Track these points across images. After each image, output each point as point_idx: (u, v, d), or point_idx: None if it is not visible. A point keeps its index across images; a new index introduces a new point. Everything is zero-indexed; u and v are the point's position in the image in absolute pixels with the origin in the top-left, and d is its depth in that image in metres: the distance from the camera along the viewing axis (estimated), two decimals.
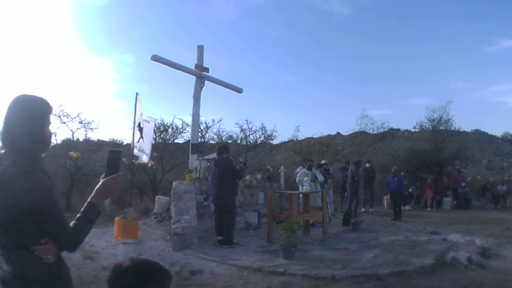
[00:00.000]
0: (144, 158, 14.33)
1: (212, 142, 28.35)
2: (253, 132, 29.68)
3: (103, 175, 2.91)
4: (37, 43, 79.42)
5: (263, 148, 38.53)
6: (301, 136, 37.48)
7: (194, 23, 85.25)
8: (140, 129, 14.15)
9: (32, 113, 2.63)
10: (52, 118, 2.93)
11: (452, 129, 29.90)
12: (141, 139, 14.24)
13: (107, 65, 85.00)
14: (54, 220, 2.59)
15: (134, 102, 13.34)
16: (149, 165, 19.14)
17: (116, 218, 11.63)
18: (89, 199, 2.81)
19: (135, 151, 13.74)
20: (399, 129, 41.65)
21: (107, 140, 31.13)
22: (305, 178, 15.89)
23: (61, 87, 73.10)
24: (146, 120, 14.15)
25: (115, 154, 2.99)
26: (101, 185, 2.85)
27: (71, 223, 2.68)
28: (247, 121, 29.29)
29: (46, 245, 2.59)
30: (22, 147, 2.57)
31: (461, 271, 8.80)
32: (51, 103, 2.80)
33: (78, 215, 2.75)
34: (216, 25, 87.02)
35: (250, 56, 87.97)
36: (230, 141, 29.14)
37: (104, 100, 79.30)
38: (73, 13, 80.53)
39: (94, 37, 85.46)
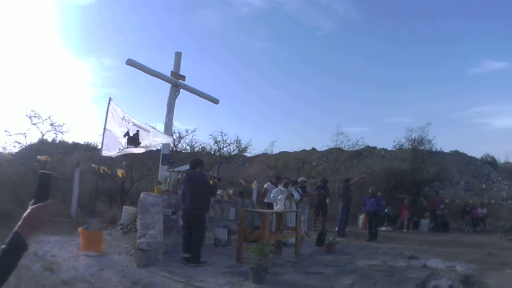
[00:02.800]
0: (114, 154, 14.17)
1: (184, 152, 27.95)
2: (227, 144, 29.40)
3: (31, 202, 2.47)
4: (14, 41, 78.22)
5: (236, 161, 38.17)
6: (276, 150, 37.32)
7: (179, 31, 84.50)
8: (130, 137, 13.85)
9: None
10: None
11: (434, 150, 29.88)
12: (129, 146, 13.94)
13: (87, 68, 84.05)
14: None
15: (107, 107, 13.00)
16: (119, 174, 18.69)
17: (80, 229, 11.10)
18: (15, 228, 2.36)
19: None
20: (375, 147, 41.59)
21: (82, 142, 30.80)
22: (280, 196, 15.46)
23: (37, 87, 72.01)
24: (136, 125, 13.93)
25: (46, 178, 2.55)
26: (28, 213, 2.41)
27: None
28: (221, 133, 29.00)
29: None
30: None
31: None
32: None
33: (2, 246, 2.30)
34: (201, 34, 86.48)
35: (232, 67, 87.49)
36: (203, 153, 28.81)
37: (81, 103, 78.42)
38: (55, 10, 79.37)
39: (75, 37, 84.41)
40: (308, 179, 24.25)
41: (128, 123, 14.41)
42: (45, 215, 2.45)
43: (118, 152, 14.47)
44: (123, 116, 14.42)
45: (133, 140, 14.49)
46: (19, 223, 2.37)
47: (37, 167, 16.86)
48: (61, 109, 75.20)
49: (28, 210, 2.41)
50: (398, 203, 25.83)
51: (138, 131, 14.32)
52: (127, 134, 14.34)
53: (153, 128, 14.45)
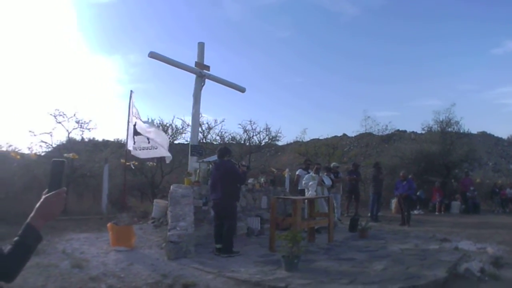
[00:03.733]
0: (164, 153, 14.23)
1: (215, 143, 27.77)
2: (257, 133, 29.13)
3: (45, 191, 2.32)
4: (39, 43, 79.10)
5: (268, 150, 38.01)
6: (306, 138, 37.02)
7: (201, 23, 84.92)
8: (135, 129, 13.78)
9: None
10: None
11: (461, 131, 29.43)
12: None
13: (113, 65, 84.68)
14: None
15: (129, 100, 12.91)
16: (150, 165, 18.65)
17: (109, 224, 11.00)
18: (28, 220, 2.23)
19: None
20: (405, 131, 41.30)
21: (112, 140, 30.87)
22: (311, 182, 15.24)
23: (64, 88, 72.81)
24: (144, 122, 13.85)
25: (59, 165, 2.44)
26: (41, 203, 2.29)
27: (7, 248, 2.14)
28: (251, 121, 28.72)
29: None
30: None
31: (474, 283, 8.41)
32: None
33: (15, 238, 2.18)
34: (222, 25, 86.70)
35: (254, 57, 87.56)
36: (233, 142, 28.61)
37: (110, 100, 79.13)
38: (77, 10, 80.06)
39: (98, 36, 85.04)
40: (340, 165, 23.95)
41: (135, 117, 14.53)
42: (58, 204, 2.35)
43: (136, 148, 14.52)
44: (133, 110, 14.44)
45: (136, 131, 14.58)
46: (32, 214, 2.26)
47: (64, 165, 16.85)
48: (90, 108, 75.93)
49: (41, 200, 2.30)
50: (429, 186, 25.51)
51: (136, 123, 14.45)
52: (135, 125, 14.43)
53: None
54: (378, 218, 19.15)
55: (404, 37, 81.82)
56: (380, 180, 20.59)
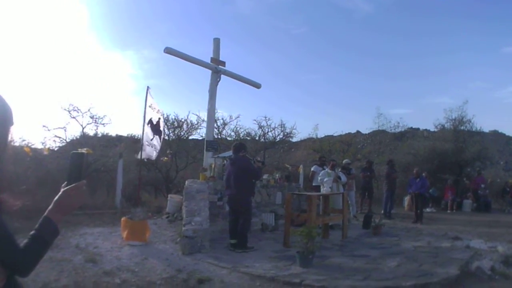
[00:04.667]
0: (154, 155, 14.00)
1: (229, 139, 27.77)
2: (272, 129, 29.12)
3: (64, 184, 2.26)
4: (52, 38, 79.24)
5: (282, 146, 38.01)
6: (320, 134, 36.94)
7: (214, 19, 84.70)
8: (153, 125, 13.70)
9: None
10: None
11: (474, 129, 29.30)
12: (156, 136, 13.83)
13: (127, 61, 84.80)
14: None
15: (145, 96, 12.90)
16: (164, 160, 18.66)
17: (123, 219, 11.02)
18: (45, 213, 2.17)
19: (147, 148, 13.33)
20: (418, 128, 41.19)
21: (126, 135, 30.87)
22: (326, 179, 15.20)
23: (79, 84, 72.99)
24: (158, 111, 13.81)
25: (78, 157, 2.37)
26: (60, 196, 2.21)
27: (23, 242, 2.06)
28: (265, 117, 28.72)
29: None
30: None
31: (485, 281, 8.43)
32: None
33: (32, 232, 2.12)
34: (235, 21, 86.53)
35: (267, 54, 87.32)
36: (248, 138, 28.62)
37: (124, 96, 79.25)
38: (87, 5, 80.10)
39: (111, 31, 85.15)
40: (353, 162, 23.87)
41: (154, 110, 14.47)
42: (78, 197, 2.27)
43: (156, 152, 14.52)
44: (151, 104, 14.39)
45: (156, 128, 14.50)
46: (50, 207, 2.19)
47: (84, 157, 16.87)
48: (104, 104, 76.01)
49: (60, 193, 2.24)
50: (441, 184, 25.36)
51: (159, 118, 14.39)
52: (150, 122, 14.33)
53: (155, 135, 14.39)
54: (391, 216, 19.08)
55: (415, 33, 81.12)
56: (393, 178, 20.52)
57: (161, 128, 14.91)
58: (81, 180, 2.29)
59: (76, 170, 2.31)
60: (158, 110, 14.82)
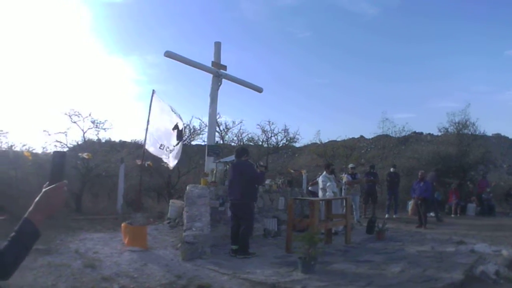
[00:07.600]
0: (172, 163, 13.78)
1: (232, 144, 27.68)
2: (275, 134, 29.03)
3: (45, 184, 2.18)
4: (53, 42, 79.40)
5: (285, 151, 37.99)
6: (324, 139, 36.90)
7: (217, 24, 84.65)
8: (179, 131, 13.45)
9: None
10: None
11: (477, 133, 29.22)
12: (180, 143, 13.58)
13: (130, 66, 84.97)
14: None
15: (150, 99, 12.77)
16: (165, 166, 18.59)
17: (123, 224, 10.95)
18: (26, 214, 2.09)
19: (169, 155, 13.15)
20: (422, 133, 41.15)
21: (129, 141, 30.81)
22: (328, 183, 15.05)
23: (81, 90, 73.10)
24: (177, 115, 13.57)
25: (60, 157, 2.29)
26: (40, 196, 2.13)
27: (3, 244, 2.00)
28: (269, 122, 28.64)
29: None
30: None
31: (490, 286, 8.33)
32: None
33: (12, 234, 2.04)
34: (238, 26, 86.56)
35: (271, 58, 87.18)
36: (251, 144, 28.53)
37: (128, 101, 79.33)
38: (90, 10, 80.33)
39: (114, 36, 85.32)
40: (357, 166, 23.81)
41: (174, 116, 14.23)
42: (58, 198, 2.20)
43: (161, 148, 14.27)
44: (171, 107, 14.17)
45: (180, 134, 14.29)
46: (30, 208, 2.12)
47: (79, 165, 16.80)
48: (107, 109, 76.04)
49: (40, 194, 2.16)
50: (445, 188, 25.26)
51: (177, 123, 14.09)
52: (176, 127, 14.07)
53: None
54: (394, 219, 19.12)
55: (418, 37, 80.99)
56: (396, 182, 20.49)
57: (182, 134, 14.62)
58: (62, 181, 2.21)
59: (57, 170, 2.25)
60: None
